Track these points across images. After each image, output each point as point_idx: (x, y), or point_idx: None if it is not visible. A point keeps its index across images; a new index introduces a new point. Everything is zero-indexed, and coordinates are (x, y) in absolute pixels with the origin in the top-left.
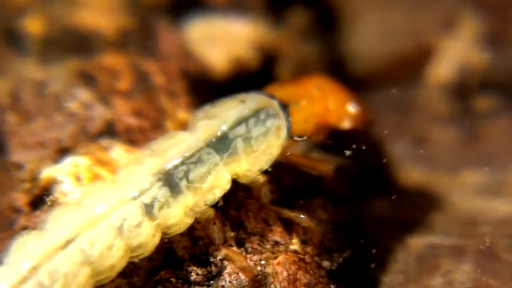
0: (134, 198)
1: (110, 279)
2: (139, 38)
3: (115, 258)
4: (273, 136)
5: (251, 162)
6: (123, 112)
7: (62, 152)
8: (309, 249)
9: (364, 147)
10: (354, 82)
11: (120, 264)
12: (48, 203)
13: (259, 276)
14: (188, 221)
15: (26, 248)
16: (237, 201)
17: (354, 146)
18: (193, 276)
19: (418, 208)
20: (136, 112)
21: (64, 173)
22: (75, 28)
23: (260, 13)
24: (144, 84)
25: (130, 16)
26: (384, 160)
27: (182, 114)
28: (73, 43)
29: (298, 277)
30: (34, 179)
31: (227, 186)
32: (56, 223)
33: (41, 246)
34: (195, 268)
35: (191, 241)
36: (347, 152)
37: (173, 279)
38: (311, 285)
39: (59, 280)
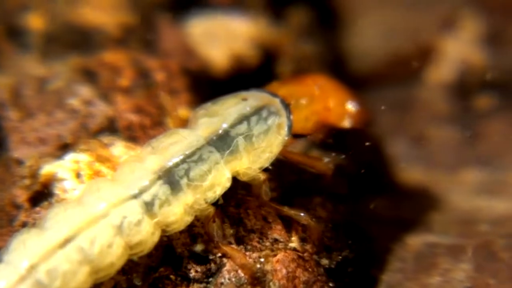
0: (135, 196)
1: (109, 277)
2: (140, 35)
3: (114, 256)
4: (274, 134)
5: (252, 160)
6: (124, 108)
7: (63, 148)
8: (308, 247)
9: (363, 146)
10: (354, 81)
11: (120, 262)
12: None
13: (258, 273)
14: (188, 219)
15: (25, 246)
16: (237, 198)
17: (353, 145)
18: (192, 273)
19: (417, 206)
20: (137, 108)
21: (64, 169)
22: (77, 25)
23: (261, 11)
24: (145, 81)
25: (131, 12)
26: (384, 159)
27: (182, 111)
28: (75, 40)
29: (297, 274)
30: (34, 175)
31: (227, 184)
32: (55, 221)
33: (40, 244)
34: (194, 265)
35: (191, 238)
36: (347, 151)
37: (172, 276)
38: (310, 283)
39: (58, 279)
